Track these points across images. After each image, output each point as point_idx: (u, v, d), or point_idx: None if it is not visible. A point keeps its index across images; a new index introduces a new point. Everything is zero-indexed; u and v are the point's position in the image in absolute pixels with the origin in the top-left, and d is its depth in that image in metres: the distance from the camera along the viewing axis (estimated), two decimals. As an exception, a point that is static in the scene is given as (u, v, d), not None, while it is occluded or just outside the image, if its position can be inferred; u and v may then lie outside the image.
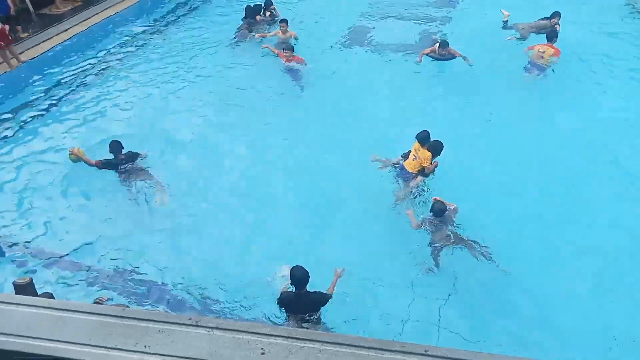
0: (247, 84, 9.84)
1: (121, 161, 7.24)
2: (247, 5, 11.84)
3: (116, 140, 7.30)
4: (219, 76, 10.22)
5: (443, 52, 9.90)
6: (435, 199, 6.43)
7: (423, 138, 7.05)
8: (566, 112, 8.80)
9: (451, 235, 6.19)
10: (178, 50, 11.20)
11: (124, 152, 7.29)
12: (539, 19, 10.83)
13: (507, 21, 11.11)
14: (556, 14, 10.55)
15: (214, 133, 8.61)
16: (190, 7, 13.47)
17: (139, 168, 7.33)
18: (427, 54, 10.14)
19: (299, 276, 5.01)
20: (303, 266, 5.06)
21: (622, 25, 11.43)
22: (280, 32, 10.94)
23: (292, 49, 10.05)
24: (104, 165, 7.23)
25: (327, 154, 8.01)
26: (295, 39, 11.01)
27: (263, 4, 12.08)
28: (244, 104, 9.26)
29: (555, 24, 10.51)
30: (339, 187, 7.36)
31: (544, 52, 9.65)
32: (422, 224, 6.38)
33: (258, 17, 11.80)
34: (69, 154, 7.36)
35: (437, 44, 10.04)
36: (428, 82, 9.85)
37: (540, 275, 5.99)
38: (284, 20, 10.98)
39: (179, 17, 12.95)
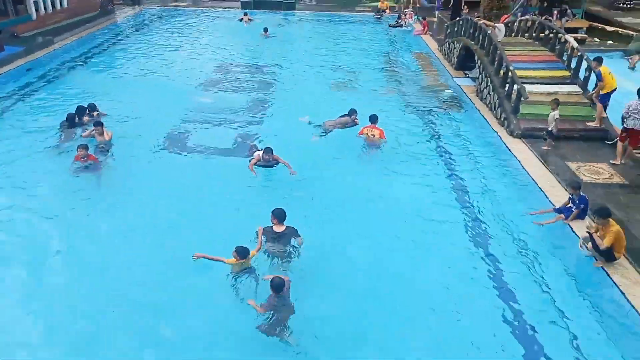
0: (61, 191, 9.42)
1: None
2: (69, 113, 11.75)
3: None
4: (35, 183, 9.68)
5: (267, 158, 9.99)
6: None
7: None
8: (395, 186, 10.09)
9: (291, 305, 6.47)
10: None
11: None
12: (340, 116, 12.38)
13: (310, 122, 12.47)
14: (353, 111, 12.27)
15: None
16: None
17: None
18: (255, 164, 10.12)
19: None
20: None
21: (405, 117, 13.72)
22: (97, 134, 10.73)
23: (87, 148, 10.00)
24: None
25: (148, 256, 7.87)
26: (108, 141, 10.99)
27: (87, 107, 12.24)
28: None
29: (354, 119, 12.24)
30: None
31: (373, 134, 11.39)
32: (267, 306, 6.40)
33: (85, 118, 11.92)
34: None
35: (262, 151, 10.07)
36: (251, 186, 9.88)
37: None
38: (99, 124, 10.84)
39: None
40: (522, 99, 12.39)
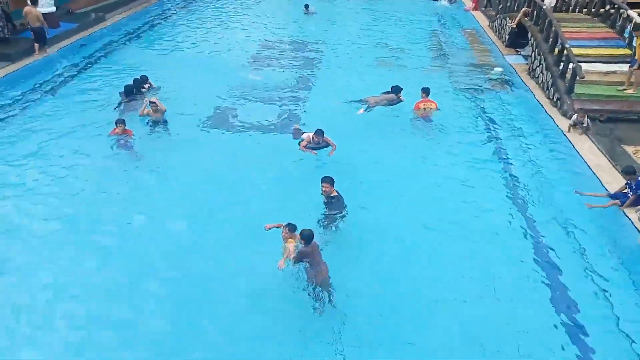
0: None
1: None
2: (126, 85, 12.24)
3: None
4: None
5: (318, 140, 9.79)
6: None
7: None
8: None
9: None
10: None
11: None
12: (383, 93, 12.21)
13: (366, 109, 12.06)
14: (398, 89, 11.99)
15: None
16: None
17: None
18: (305, 147, 9.90)
19: None
20: None
21: (452, 96, 13.44)
22: (152, 112, 11.06)
23: (124, 123, 10.32)
24: None
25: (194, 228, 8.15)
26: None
27: (139, 79, 12.70)
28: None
29: (400, 97, 12.03)
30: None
31: (430, 107, 11.53)
32: (298, 257, 6.64)
33: (143, 89, 12.52)
34: None
35: (312, 133, 9.81)
36: (294, 164, 9.95)
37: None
38: (153, 102, 11.13)
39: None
40: (577, 78, 11.86)
